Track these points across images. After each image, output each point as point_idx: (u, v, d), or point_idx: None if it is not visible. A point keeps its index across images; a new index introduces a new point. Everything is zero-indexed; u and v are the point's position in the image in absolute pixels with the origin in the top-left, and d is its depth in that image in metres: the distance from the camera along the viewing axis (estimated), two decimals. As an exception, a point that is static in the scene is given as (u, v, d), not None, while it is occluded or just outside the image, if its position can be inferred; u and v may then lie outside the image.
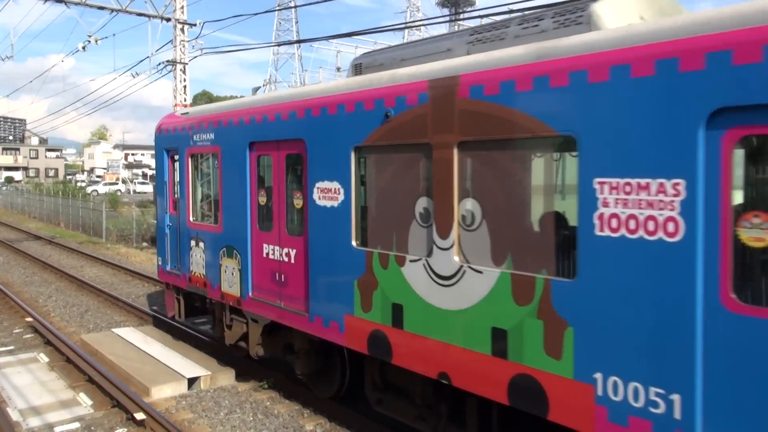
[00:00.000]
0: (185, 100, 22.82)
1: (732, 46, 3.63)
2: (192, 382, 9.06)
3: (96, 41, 22.46)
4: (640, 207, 4.03)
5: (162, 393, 8.66)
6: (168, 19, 22.11)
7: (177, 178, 10.20)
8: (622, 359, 4.16)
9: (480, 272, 5.12)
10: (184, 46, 22.18)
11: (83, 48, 22.82)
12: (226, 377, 9.32)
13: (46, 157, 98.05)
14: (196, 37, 21.97)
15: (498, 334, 4.97)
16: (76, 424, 7.67)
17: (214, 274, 9.00)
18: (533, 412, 4.76)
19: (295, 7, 76.28)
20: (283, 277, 7.65)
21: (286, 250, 7.58)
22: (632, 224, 4.07)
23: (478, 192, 5.39)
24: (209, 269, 9.15)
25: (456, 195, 5.32)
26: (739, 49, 3.60)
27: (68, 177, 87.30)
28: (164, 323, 12.00)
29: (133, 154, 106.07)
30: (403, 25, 54.40)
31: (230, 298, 8.68)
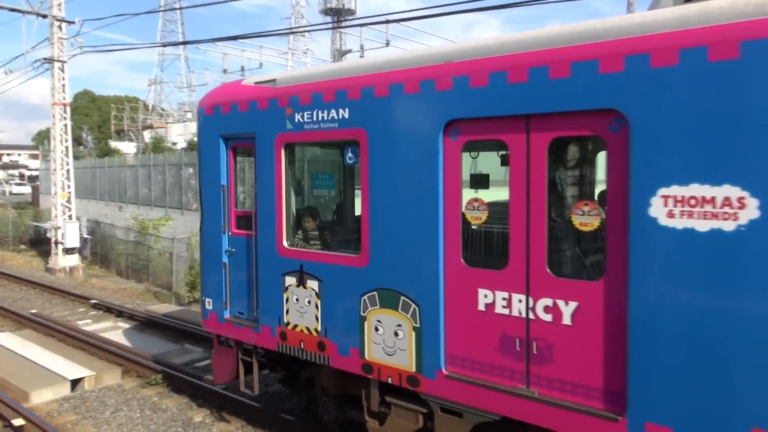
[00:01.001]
0: (64, 99, 21.71)
1: None
2: (76, 383, 9.04)
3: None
4: None
5: (42, 397, 8.62)
6: (44, 16, 20.81)
7: (249, 180, 6.73)
8: None
9: None
10: (62, 44, 21.11)
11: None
12: (112, 376, 9.47)
13: None
14: (75, 35, 20.85)
15: None
16: (-52, 438, 7.55)
17: (348, 332, 5.68)
18: None
19: (180, 8, 74.46)
20: (535, 345, 4.53)
21: (545, 302, 4.47)
22: None
23: None
24: (334, 323, 5.80)
25: None
26: None
27: (-63, 179, 75.63)
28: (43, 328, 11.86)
29: (9, 154, 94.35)
30: (287, 31, 55.41)
31: (389, 372, 5.40)
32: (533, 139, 4.47)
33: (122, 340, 11.71)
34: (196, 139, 9.40)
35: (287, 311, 6.25)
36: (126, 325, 13.19)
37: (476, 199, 4.87)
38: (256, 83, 6.63)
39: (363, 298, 5.56)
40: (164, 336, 12.26)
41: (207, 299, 7.19)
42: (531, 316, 4.55)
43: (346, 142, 5.80)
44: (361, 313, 5.58)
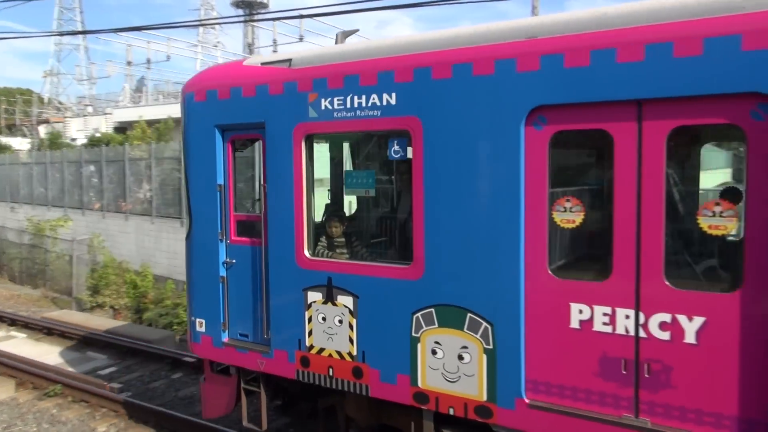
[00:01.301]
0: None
1: None
2: (-36, 401, 8.10)
3: None
4: None
5: None
6: None
7: (253, 179, 5.72)
8: None
9: None
10: (-60, 30, 18.41)
11: None
12: (4, 390, 8.79)
13: None
14: (-42, 21, 18.09)
15: None
16: None
17: (395, 356, 4.83)
18: None
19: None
20: (647, 368, 3.90)
21: (661, 317, 3.84)
22: None
23: None
24: (375, 346, 4.94)
25: None
26: None
27: None
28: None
29: None
30: (197, 23, 52.33)
31: (450, 401, 4.61)
32: (647, 128, 3.83)
33: (16, 351, 10.41)
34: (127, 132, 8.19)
35: (310, 333, 5.30)
36: (21, 335, 12.00)
37: (568, 199, 4.17)
38: (263, 64, 5.61)
39: (415, 317, 4.74)
40: (64, 344, 11.21)
41: (197, 320, 6.07)
42: (642, 334, 3.91)
43: (392, 133, 4.93)
44: (413, 334, 4.75)
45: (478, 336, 4.47)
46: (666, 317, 3.84)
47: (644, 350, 3.92)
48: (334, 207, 5.90)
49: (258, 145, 5.78)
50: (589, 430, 4.10)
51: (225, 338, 5.90)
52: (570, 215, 4.17)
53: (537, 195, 4.19)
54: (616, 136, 3.93)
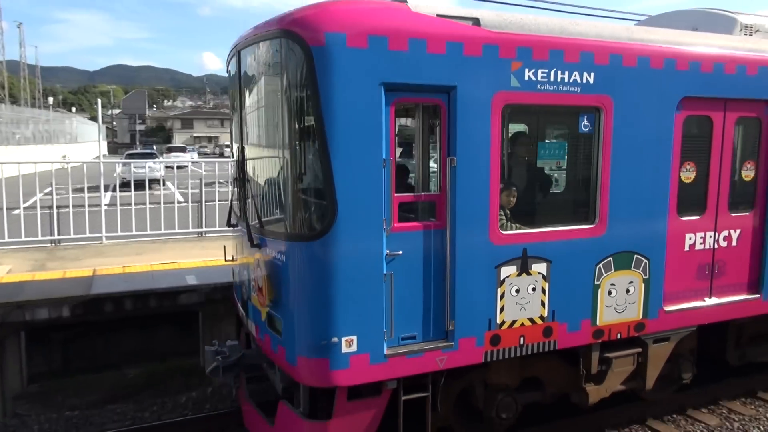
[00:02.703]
0: None
1: None
2: None
3: None
4: None
5: None
6: None
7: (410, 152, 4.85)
8: None
9: None
10: None
11: None
12: None
13: None
14: None
15: None
16: None
17: (580, 306, 5.56)
18: None
19: None
20: (717, 267, 6.32)
21: (724, 233, 6.30)
22: None
23: None
24: (564, 302, 5.48)
25: None
26: None
27: None
28: None
29: None
30: None
31: (618, 329, 5.80)
32: (728, 117, 6.12)
33: None
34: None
35: (501, 309, 5.19)
36: None
37: (689, 162, 6.00)
38: (440, 16, 4.75)
39: (598, 267, 5.58)
40: None
41: (344, 339, 4.60)
42: (716, 245, 6.28)
43: (584, 108, 5.36)
44: (595, 282, 5.59)
45: (640, 271, 5.80)
46: (726, 233, 6.33)
47: (716, 255, 6.31)
48: (508, 178, 5.48)
49: (425, 111, 4.84)
50: (692, 315, 6.20)
51: (387, 349, 4.79)
52: (689, 174, 6.04)
53: (676, 162, 5.85)
54: (714, 121, 6.05)
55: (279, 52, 4.66)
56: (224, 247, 6.67)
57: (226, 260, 6.50)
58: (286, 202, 4.79)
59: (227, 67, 6.11)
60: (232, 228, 6.36)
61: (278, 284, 4.82)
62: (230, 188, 7.00)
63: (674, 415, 7.13)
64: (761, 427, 6.86)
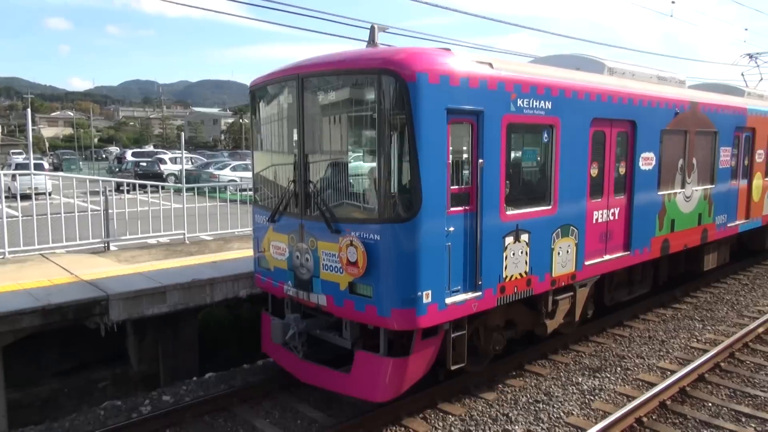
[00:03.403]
0: None
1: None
2: None
3: None
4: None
5: None
6: None
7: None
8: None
9: (696, 190, 11.36)
10: None
11: None
12: None
13: None
14: None
15: (700, 218, 11.56)
16: None
17: (544, 262, 7.99)
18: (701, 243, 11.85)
19: None
20: (610, 233, 9.23)
21: (613, 210, 9.24)
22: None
23: (697, 154, 11.28)
24: (537, 261, 7.85)
25: (692, 157, 11.09)
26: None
27: None
28: None
29: None
30: None
31: (562, 279, 8.35)
32: (612, 131, 9.04)
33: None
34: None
35: (505, 267, 7.36)
36: None
37: (595, 162, 8.76)
38: (475, 61, 6.77)
39: (553, 235, 8.05)
40: None
41: (424, 293, 6.38)
42: (608, 219, 9.18)
43: (545, 125, 7.72)
44: (551, 246, 8.05)
45: (573, 237, 8.41)
46: (613, 210, 9.27)
47: (609, 226, 9.22)
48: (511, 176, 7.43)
49: (461, 128, 6.78)
50: (598, 268, 9.00)
51: (447, 299, 6.67)
52: (595, 170, 8.80)
53: (589, 162, 8.58)
54: (606, 134, 8.92)
55: (378, 85, 6.26)
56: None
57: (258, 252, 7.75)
58: (380, 195, 6.38)
59: (272, 90, 7.42)
60: (273, 222, 7.61)
61: (370, 257, 6.39)
62: (254, 194, 8.23)
63: (460, 395, 7.85)
64: (528, 396, 7.96)
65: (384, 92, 6.24)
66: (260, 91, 7.90)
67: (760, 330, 10.39)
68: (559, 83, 7.88)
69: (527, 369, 8.81)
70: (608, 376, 8.61)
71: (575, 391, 8.10)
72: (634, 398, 7.58)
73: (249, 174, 27.95)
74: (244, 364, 9.47)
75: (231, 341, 10.43)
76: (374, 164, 6.41)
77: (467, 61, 6.77)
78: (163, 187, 14.56)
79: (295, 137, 7.19)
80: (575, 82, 8.24)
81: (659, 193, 10.26)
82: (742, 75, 18.59)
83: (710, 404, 7.74)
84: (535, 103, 7.47)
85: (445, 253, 6.57)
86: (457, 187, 6.79)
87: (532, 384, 8.31)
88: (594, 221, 8.86)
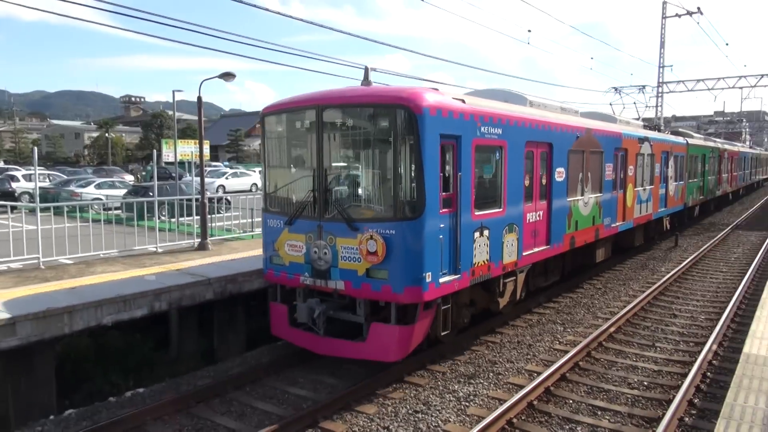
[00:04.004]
0: None
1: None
2: None
3: None
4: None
5: None
6: None
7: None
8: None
9: (591, 197, 14.37)
10: None
11: None
12: None
13: None
14: None
15: (594, 219, 14.58)
16: None
17: (499, 252, 10.30)
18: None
19: None
20: (537, 230, 11.78)
21: (538, 213, 11.81)
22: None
23: (591, 169, 14.25)
24: (494, 251, 10.14)
25: (588, 171, 14.06)
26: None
27: None
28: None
29: None
30: None
31: (509, 266, 10.71)
32: (537, 151, 11.65)
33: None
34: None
35: (475, 255, 9.57)
36: None
37: (527, 174, 11.26)
38: (453, 98, 8.93)
39: (503, 231, 10.39)
40: None
41: (426, 273, 8.39)
42: (537, 219, 11.73)
43: (497, 147, 10.04)
44: (502, 240, 10.39)
45: (515, 233, 10.82)
46: (538, 212, 11.85)
47: (535, 225, 11.78)
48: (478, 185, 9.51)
49: (447, 148, 8.88)
50: (532, 257, 11.50)
51: (440, 279, 8.72)
52: (527, 181, 11.30)
53: (524, 174, 11.06)
54: (534, 152, 11.48)
55: (392, 117, 8.20)
56: None
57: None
58: (396, 200, 8.30)
59: (288, 117, 9.13)
60: (290, 225, 9.26)
61: (387, 247, 8.28)
62: (265, 204, 9.82)
63: (343, 411, 7.97)
64: (408, 407, 8.13)
65: (397, 121, 8.22)
66: (275, 116, 9.55)
67: (612, 330, 11.35)
68: (506, 114, 10.29)
69: (407, 380, 8.99)
70: (482, 381, 8.97)
71: (452, 398, 8.35)
72: (504, 401, 8.02)
73: (116, 192, 28.40)
74: (111, 397, 8.87)
75: (95, 373, 9.91)
76: (388, 176, 8.35)
77: (449, 98, 8.95)
78: (14, 207, 13.67)
79: (315, 155, 8.94)
80: (515, 113, 10.71)
81: (568, 199, 13.07)
82: (611, 105, 22.61)
83: (571, 401, 8.29)
84: (491, 130, 9.80)
85: (438, 244, 8.63)
86: (445, 193, 8.90)
87: (412, 395, 8.48)
88: (527, 221, 11.36)
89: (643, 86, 26.35)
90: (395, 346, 8.54)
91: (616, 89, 22.78)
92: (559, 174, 12.53)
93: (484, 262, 9.83)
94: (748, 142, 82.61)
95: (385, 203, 8.64)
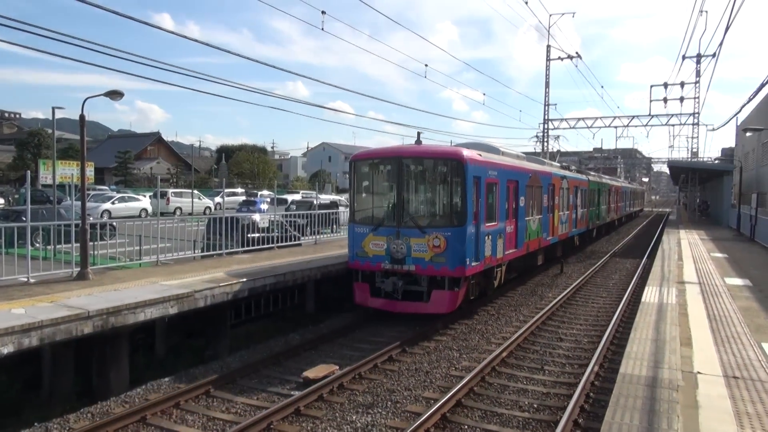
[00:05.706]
0: None
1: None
2: None
3: None
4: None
5: None
6: None
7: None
8: (543, 229, 21.93)
9: (536, 218, 20.60)
10: None
11: None
12: None
13: None
14: None
15: (538, 233, 20.83)
16: None
17: (495, 251, 16.07)
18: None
19: None
20: (506, 238, 17.70)
21: (510, 226, 17.75)
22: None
23: (536, 199, 20.49)
24: (493, 249, 15.90)
25: (534, 200, 20.30)
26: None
27: None
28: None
29: None
30: None
31: (499, 260, 16.50)
32: (511, 184, 17.71)
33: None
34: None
35: (486, 251, 15.26)
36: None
37: (506, 200, 17.21)
38: (479, 153, 14.72)
39: (497, 237, 16.20)
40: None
41: (468, 259, 13.97)
42: (512, 230, 17.68)
43: (496, 183, 15.86)
44: (497, 242, 16.17)
45: (502, 239, 16.67)
46: (512, 226, 17.82)
47: (511, 235, 17.72)
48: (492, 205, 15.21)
49: (473, 181, 14.55)
50: (509, 256, 17.40)
51: (473, 263, 14.32)
52: (507, 204, 17.24)
53: (506, 200, 17.00)
54: (508, 186, 17.49)
55: (450, 165, 13.82)
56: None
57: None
58: (452, 214, 13.83)
59: (374, 163, 14.57)
60: (375, 231, 14.51)
61: (446, 243, 13.75)
62: (352, 218, 15.01)
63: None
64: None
65: (452, 168, 13.84)
66: (362, 161, 14.88)
67: (504, 354, 11.47)
68: (499, 163, 16.24)
69: (303, 413, 8.74)
70: (380, 411, 8.83)
71: (350, 429, 8.19)
72: (402, 430, 7.96)
73: None
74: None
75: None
76: (445, 200, 13.93)
77: (475, 153, 14.73)
78: None
79: (396, 185, 14.34)
80: (504, 162, 16.71)
81: (526, 218, 19.20)
82: (534, 149, 29.49)
83: (466, 426, 8.27)
84: (492, 173, 15.67)
85: (473, 242, 14.28)
86: (474, 211, 14.58)
87: (308, 429, 8.25)
88: (507, 231, 17.26)
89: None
90: (448, 304, 13.96)
91: (537, 136, 29.72)
92: (522, 201, 18.64)
93: (490, 255, 15.56)
94: (622, 177, 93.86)
95: (444, 217, 14.17)
